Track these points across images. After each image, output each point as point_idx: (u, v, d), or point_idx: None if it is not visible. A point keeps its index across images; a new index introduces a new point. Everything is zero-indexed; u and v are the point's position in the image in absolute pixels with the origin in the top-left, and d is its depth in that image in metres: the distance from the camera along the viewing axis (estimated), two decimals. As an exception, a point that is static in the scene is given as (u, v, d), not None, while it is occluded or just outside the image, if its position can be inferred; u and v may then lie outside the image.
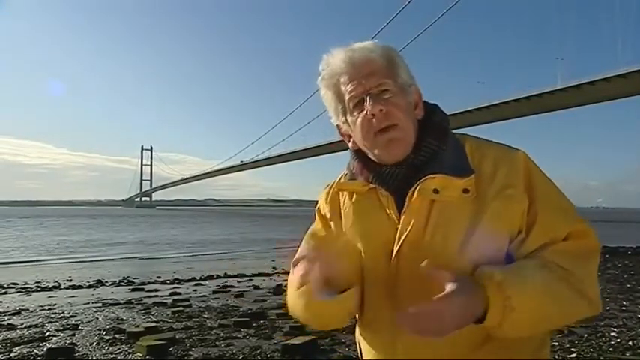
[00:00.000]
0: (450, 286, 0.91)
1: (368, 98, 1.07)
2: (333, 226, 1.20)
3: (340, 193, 1.20)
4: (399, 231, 1.06)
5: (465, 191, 1.04)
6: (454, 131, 1.16)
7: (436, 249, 1.02)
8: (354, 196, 1.17)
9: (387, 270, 1.07)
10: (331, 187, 1.24)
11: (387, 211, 1.09)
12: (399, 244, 1.06)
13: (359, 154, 1.16)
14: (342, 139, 1.20)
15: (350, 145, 1.18)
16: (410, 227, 1.05)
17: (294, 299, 1.11)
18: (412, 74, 1.14)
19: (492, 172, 1.06)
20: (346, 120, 1.13)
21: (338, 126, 1.18)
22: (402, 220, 1.06)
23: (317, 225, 1.25)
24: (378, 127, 1.07)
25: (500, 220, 1.02)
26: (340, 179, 1.22)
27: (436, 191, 1.04)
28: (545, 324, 1.04)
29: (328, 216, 1.21)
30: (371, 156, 1.12)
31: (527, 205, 1.05)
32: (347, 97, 1.10)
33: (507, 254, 1.03)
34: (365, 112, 1.07)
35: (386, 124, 1.06)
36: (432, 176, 1.05)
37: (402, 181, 1.08)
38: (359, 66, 1.09)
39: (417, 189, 1.05)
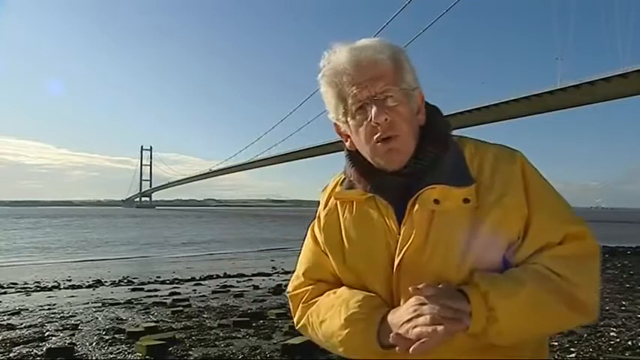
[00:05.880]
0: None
1: (373, 105, 1.04)
2: (330, 239, 1.16)
3: (339, 202, 1.16)
4: (399, 243, 1.04)
5: (466, 201, 1.02)
6: (453, 131, 1.14)
7: (437, 261, 1.01)
8: (354, 205, 1.13)
9: (389, 282, 1.05)
10: (330, 194, 1.20)
11: (387, 221, 1.07)
12: (400, 256, 1.03)
13: (356, 157, 1.14)
14: (339, 138, 1.18)
15: (347, 144, 1.16)
16: (411, 239, 1.03)
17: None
18: (417, 76, 1.11)
19: (491, 179, 1.04)
20: (346, 121, 1.10)
21: (336, 124, 1.15)
22: (402, 232, 1.04)
23: (314, 232, 1.23)
24: (381, 136, 1.05)
25: (499, 227, 1.01)
26: (336, 185, 1.19)
27: (437, 201, 1.02)
28: (532, 333, 1.02)
29: (325, 228, 1.18)
30: (369, 160, 1.10)
31: (527, 211, 1.03)
32: (350, 99, 1.07)
33: (504, 261, 1.02)
34: (369, 119, 1.04)
35: (388, 134, 1.04)
36: (432, 186, 1.03)
37: (401, 191, 1.06)
38: (365, 68, 1.05)
39: (418, 199, 1.04)
